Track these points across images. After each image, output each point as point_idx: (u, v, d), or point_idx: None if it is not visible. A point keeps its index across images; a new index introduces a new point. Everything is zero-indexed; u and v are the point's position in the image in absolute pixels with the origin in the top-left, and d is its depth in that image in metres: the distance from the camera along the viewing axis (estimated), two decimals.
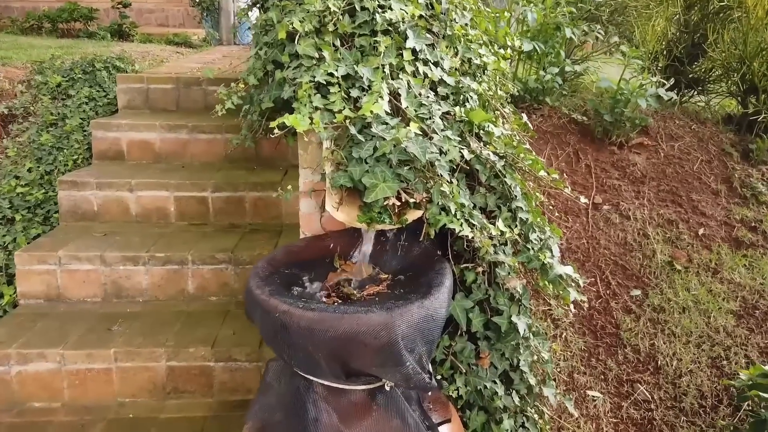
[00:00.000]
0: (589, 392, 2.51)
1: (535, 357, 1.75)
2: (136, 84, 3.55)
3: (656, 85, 3.67)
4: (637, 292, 2.88)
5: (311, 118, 1.58)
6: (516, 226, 1.65)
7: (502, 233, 1.50)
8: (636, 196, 3.38)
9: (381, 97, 1.52)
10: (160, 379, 2.24)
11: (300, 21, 1.74)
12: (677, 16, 4.07)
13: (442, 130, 1.53)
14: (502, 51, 2.31)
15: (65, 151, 3.25)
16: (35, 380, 2.19)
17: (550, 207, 3.12)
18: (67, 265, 2.53)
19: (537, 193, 1.86)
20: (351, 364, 1.25)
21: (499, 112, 2.00)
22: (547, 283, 1.66)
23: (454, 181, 1.53)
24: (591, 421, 2.42)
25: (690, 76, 4.15)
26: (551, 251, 1.68)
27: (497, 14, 2.64)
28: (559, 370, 2.56)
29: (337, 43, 1.76)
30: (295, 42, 1.75)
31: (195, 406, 2.24)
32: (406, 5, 1.77)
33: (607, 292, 2.89)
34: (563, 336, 2.69)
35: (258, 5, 2.67)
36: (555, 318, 2.73)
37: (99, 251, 2.55)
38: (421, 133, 1.49)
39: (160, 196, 2.90)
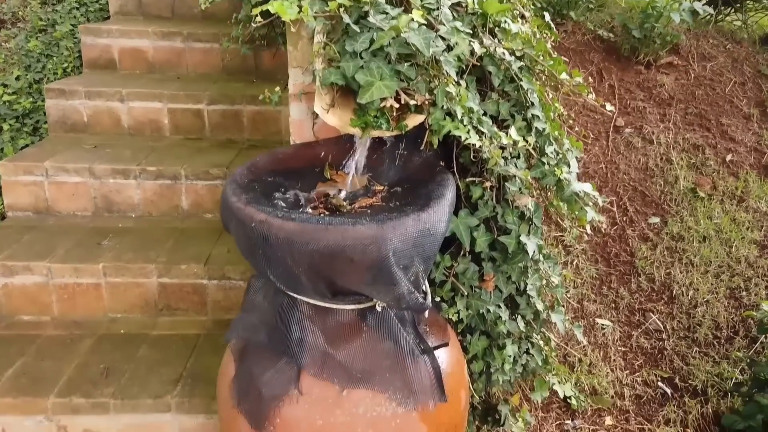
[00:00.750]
0: (598, 320, 2.39)
1: (544, 282, 1.61)
2: None
3: None
4: (655, 220, 2.71)
5: (300, 7, 1.37)
6: (531, 137, 1.46)
7: (515, 143, 1.32)
8: (661, 119, 3.15)
9: None
10: (152, 295, 2.15)
11: None
12: None
13: (451, 21, 1.32)
14: None
15: (54, 58, 3.05)
16: (22, 293, 2.10)
17: (570, 121, 2.91)
18: (54, 177, 2.40)
19: (556, 104, 1.66)
20: (337, 281, 1.11)
21: (518, 12, 1.77)
22: (561, 202, 1.50)
23: (462, 82, 1.33)
24: (599, 350, 2.31)
25: None
26: (569, 166, 1.50)
27: None
28: (568, 297, 2.43)
29: None
30: None
31: (188, 324, 2.15)
32: None
33: (624, 219, 2.72)
34: (574, 263, 2.55)
35: None
36: (567, 245, 2.58)
37: (88, 163, 2.40)
38: (425, 23, 1.28)
39: (153, 108, 2.73)
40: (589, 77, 3.28)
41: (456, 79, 1.29)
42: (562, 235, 2.61)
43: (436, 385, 1.24)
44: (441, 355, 1.31)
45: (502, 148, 1.35)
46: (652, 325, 2.39)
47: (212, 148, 2.68)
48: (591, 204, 1.49)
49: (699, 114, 3.17)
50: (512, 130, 1.33)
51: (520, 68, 1.46)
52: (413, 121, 1.32)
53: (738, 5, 3.90)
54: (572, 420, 2.06)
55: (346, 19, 1.29)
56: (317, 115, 1.56)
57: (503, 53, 1.42)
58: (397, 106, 1.28)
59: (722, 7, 3.88)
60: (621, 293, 2.48)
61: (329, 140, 1.44)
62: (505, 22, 1.43)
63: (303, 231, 1.05)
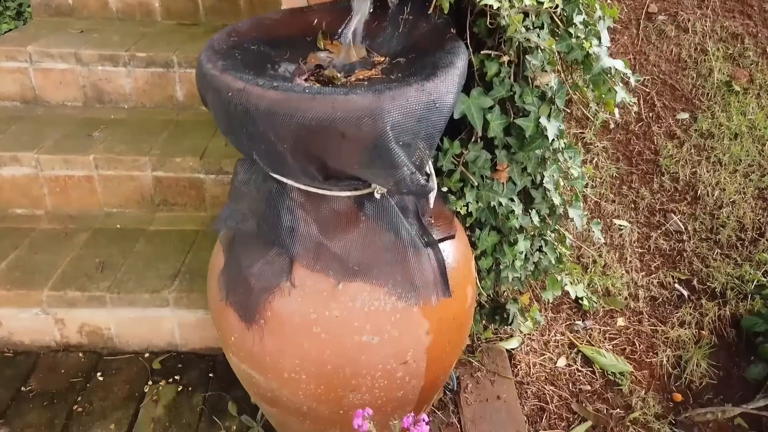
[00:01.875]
0: (616, 221, 2.26)
1: (563, 174, 1.45)
2: None
3: None
4: (684, 116, 2.49)
5: None
6: (557, 5, 1.25)
7: (540, 3, 1.12)
8: (698, 4, 2.83)
9: None
10: (148, 189, 2.03)
11: None
12: None
13: None
14: None
15: None
16: (12, 185, 1.99)
17: None
18: (39, 63, 2.22)
19: None
20: (328, 162, 0.97)
21: None
22: (588, 83, 1.31)
23: None
24: (615, 251, 2.19)
25: None
26: (599, 39, 1.29)
27: None
28: (586, 195, 2.29)
29: None
30: None
31: (187, 219, 2.05)
32: None
33: (651, 114, 2.51)
34: (594, 162, 2.38)
35: None
36: (587, 142, 2.39)
37: (74, 48, 2.21)
38: None
39: None
40: None
41: None
42: (582, 132, 2.42)
43: (440, 279, 1.12)
44: (446, 248, 1.19)
45: (525, 14, 1.15)
46: (672, 226, 2.25)
47: (207, 34, 2.46)
48: (621, 84, 1.30)
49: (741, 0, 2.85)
50: None
51: None
52: None
53: None
54: (583, 321, 1.98)
55: None
56: None
57: None
58: None
59: None
60: (642, 193, 2.32)
61: (324, 5, 1.24)
62: None
63: (287, 101, 0.89)
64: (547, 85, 1.24)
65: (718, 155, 2.39)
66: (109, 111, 2.27)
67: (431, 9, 1.15)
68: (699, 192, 2.31)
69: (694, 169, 2.37)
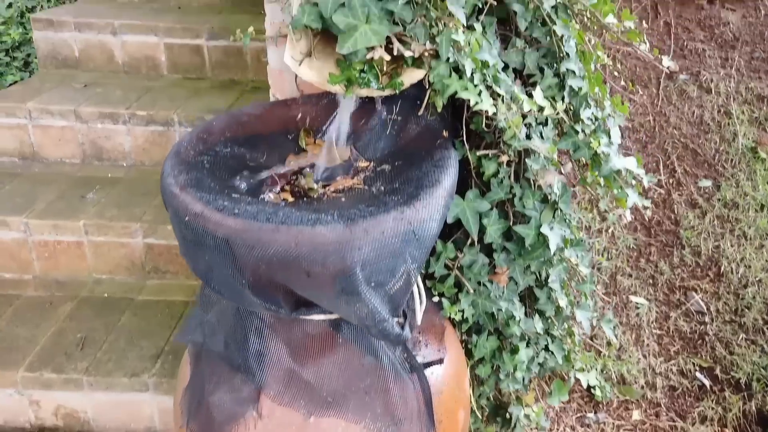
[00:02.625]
0: (632, 298, 2.10)
1: (570, 272, 1.32)
2: None
3: None
4: (707, 183, 2.34)
5: None
6: (563, 97, 1.14)
7: (541, 109, 1.00)
8: (722, 64, 2.70)
9: None
10: (138, 256, 1.94)
11: None
12: None
13: None
14: None
15: None
16: (2, 249, 1.93)
17: (615, 74, 2.51)
18: (38, 120, 2.16)
19: (599, 52, 1.31)
20: (295, 291, 0.85)
21: None
22: (596, 180, 1.19)
23: (477, 26, 1.00)
24: (631, 331, 2.04)
25: None
26: (609, 136, 1.17)
27: None
28: (599, 270, 2.14)
29: None
30: None
31: (177, 288, 1.95)
32: None
33: (671, 181, 2.37)
34: (610, 231, 2.24)
35: None
36: (602, 210, 2.25)
37: (73, 105, 2.16)
38: None
39: (148, 42, 2.44)
40: (642, 13, 2.82)
41: (465, 23, 0.96)
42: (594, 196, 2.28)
43: (425, 411, 1.00)
44: (436, 369, 1.06)
45: (524, 115, 1.04)
46: (693, 305, 2.09)
47: (213, 89, 2.40)
48: (634, 184, 1.17)
49: (767, 59, 2.71)
50: (537, 93, 1.01)
51: (554, 7, 1.11)
52: (410, 77, 1.01)
53: None
54: (595, 413, 1.82)
55: None
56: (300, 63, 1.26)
57: None
58: (388, 57, 0.98)
59: None
60: (661, 267, 2.16)
61: (310, 97, 1.14)
62: None
63: (246, 231, 0.79)
64: (550, 186, 1.12)
65: (743, 228, 2.23)
66: (107, 169, 2.20)
67: (423, 108, 1.05)
68: (722, 268, 2.15)
69: (717, 243, 2.20)
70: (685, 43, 2.75)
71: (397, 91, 1.03)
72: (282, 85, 1.28)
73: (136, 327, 1.77)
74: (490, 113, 0.98)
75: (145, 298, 1.90)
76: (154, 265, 1.95)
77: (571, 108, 1.16)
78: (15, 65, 2.51)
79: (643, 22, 2.80)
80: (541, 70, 1.15)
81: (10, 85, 2.41)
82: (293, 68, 1.00)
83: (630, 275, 2.15)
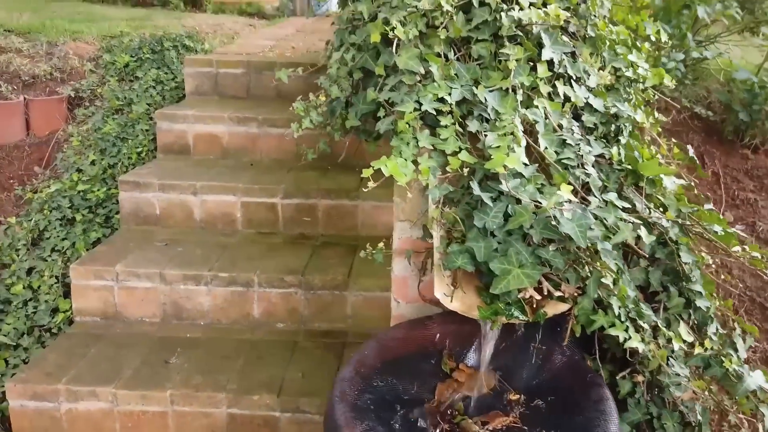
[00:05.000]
0: None
1: None
2: (205, 68, 3.18)
3: None
4: None
5: (415, 162, 1.14)
6: (690, 315, 1.16)
7: (692, 345, 1.02)
8: None
9: (516, 141, 1.05)
10: (220, 427, 1.92)
11: (401, 22, 1.27)
12: None
13: (602, 190, 1.05)
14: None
15: (129, 141, 2.94)
16: (86, 420, 1.91)
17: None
18: (125, 282, 2.23)
19: (703, 254, 1.35)
20: None
21: (649, 138, 1.49)
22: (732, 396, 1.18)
23: (619, 264, 1.05)
24: None
25: None
26: (735, 350, 1.18)
27: None
28: None
29: (447, 51, 1.29)
30: (393, 50, 1.29)
31: None
32: None
33: None
34: None
35: None
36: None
37: (159, 268, 2.23)
38: (571, 196, 1.02)
39: (226, 201, 2.55)
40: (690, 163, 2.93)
41: (614, 267, 1.01)
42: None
43: None
44: None
45: (667, 347, 1.06)
46: None
47: (285, 245, 2.47)
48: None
49: None
50: (682, 328, 1.04)
51: (678, 233, 1.17)
52: (554, 309, 1.05)
53: None
54: None
55: (476, 190, 1.04)
56: (424, 272, 1.31)
57: (659, 219, 1.13)
58: (539, 297, 1.02)
59: None
60: None
61: (442, 317, 1.18)
62: (662, 184, 1.15)
63: None
64: (690, 407, 1.12)
65: None
66: (186, 328, 2.23)
67: (565, 337, 1.07)
68: None
69: None
70: (736, 193, 2.83)
71: (540, 321, 1.06)
72: (404, 291, 1.32)
73: None
74: (640, 350, 1.00)
75: None
76: None
77: (696, 322, 1.18)
78: (97, 221, 2.62)
79: (692, 172, 2.90)
80: (665, 288, 1.19)
81: (94, 242, 2.51)
82: (444, 302, 1.04)
83: None
